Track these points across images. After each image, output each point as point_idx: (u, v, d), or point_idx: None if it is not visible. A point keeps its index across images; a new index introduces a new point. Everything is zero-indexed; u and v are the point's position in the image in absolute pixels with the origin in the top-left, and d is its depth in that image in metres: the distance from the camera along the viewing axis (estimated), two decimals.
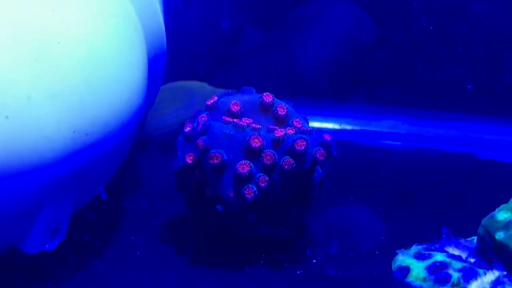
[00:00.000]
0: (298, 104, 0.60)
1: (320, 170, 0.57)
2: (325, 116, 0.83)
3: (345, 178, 0.70)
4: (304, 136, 0.54)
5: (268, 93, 0.58)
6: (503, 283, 0.46)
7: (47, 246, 0.51)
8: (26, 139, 0.45)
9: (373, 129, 0.82)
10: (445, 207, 0.65)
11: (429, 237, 0.53)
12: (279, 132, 0.54)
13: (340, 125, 0.82)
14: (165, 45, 0.66)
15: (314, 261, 0.57)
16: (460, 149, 0.79)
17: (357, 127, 0.83)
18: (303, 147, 0.53)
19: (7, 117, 0.44)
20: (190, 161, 0.56)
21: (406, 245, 0.52)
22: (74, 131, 0.47)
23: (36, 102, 0.45)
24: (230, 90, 0.59)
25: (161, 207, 0.64)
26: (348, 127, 0.83)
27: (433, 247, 0.52)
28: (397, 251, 0.52)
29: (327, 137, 0.54)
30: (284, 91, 0.60)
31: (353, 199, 0.67)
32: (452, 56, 0.81)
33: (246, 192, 0.52)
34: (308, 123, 0.59)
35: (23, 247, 0.50)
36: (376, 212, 0.64)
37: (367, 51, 0.81)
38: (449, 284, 0.47)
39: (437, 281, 0.48)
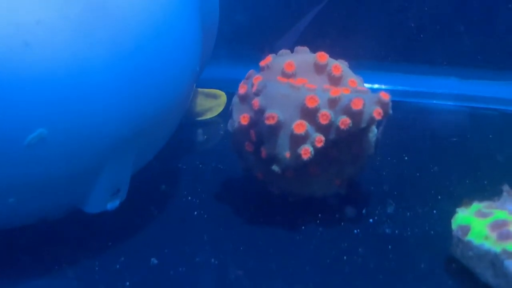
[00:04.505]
0: (350, 66, 0.59)
1: (376, 130, 0.57)
2: (376, 77, 0.82)
3: (397, 138, 0.70)
4: (360, 95, 0.53)
5: (322, 53, 0.57)
6: None
7: (108, 206, 0.52)
8: (89, 102, 0.46)
9: (425, 89, 0.81)
10: (503, 166, 0.64)
11: (488, 195, 0.52)
12: (335, 92, 0.53)
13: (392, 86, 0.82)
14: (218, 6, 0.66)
15: (371, 220, 0.57)
16: None
17: (408, 87, 0.81)
18: (360, 106, 0.52)
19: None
20: (245, 122, 0.56)
21: (465, 204, 0.52)
22: (132, 93, 0.48)
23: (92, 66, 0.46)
24: (283, 50, 0.59)
25: (216, 169, 0.65)
26: (400, 87, 0.82)
27: (494, 205, 0.52)
28: (457, 209, 0.52)
29: (384, 95, 0.54)
30: (335, 53, 0.59)
31: (408, 159, 0.66)
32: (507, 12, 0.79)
33: (302, 152, 0.52)
34: (363, 83, 0.58)
35: (85, 207, 0.52)
36: (431, 172, 0.64)
37: (420, 9, 0.80)
38: None
39: (500, 238, 0.47)
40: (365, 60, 0.79)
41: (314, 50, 0.58)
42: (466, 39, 0.80)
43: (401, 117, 0.75)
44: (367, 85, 0.78)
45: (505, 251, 0.46)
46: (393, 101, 0.55)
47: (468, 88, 0.80)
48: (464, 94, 0.80)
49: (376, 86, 0.81)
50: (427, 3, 0.80)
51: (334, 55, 0.58)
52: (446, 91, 0.80)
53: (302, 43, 0.60)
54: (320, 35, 0.80)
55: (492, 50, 0.80)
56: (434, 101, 0.80)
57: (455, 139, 0.70)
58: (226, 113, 0.76)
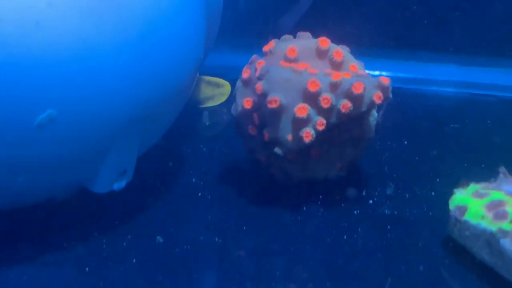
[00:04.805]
0: (352, 53, 0.60)
1: (376, 114, 0.58)
2: (377, 64, 0.83)
3: (398, 123, 0.71)
4: (361, 79, 0.54)
5: (324, 38, 0.58)
6: None
7: (115, 186, 0.54)
8: (97, 85, 0.47)
9: (426, 76, 0.83)
10: (500, 149, 0.66)
11: (485, 177, 0.54)
12: (337, 76, 0.55)
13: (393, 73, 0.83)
14: None
15: (371, 201, 0.58)
16: None
17: (409, 74, 0.83)
18: (361, 90, 0.53)
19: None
20: (249, 106, 0.57)
21: (462, 185, 0.53)
22: (138, 77, 0.50)
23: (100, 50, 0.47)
24: (286, 35, 0.60)
25: (220, 152, 0.67)
26: (401, 74, 0.83)
27: (490, 186, 0.53)
28: (454, 190, 0.53)
29: (384, 80, 0.55)
30: (337, 39, 0.60)
31: (407, 143, 0.68)
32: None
33: (304, 135, 0.54)
34: (364, 68, 0.60)
35: (93, 187, 0.53)
36: (430, 155, 0.65)
37: None
38: (507, 221, 0.48)
39: (496, 218, 0.49)
40: (366, 47, 0.80)
41: (316, 35, 0.60)
42: (465, 26, 0.81)
43: (402, 103, 0.76)
44: (368, 72, 0.80)
45: (501, 230, 0.48)
46: (394, 88, 0.56)
47: (467, 74, 0.82)
48: (463, 80, 0.81)
49: (377, 72, 0.82)
50: None
51: (335, 41, 0.59)
52: (445, 77, 0.82)
53: (303, 29, 0.61)
54: (322, 21, 0.80)
55: (491, 37, 0.81)
56: (434, 88, 0.81)
57: (457, 126, 0.71)
58: (231, 101, 0.78)
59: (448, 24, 0.82)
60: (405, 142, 0.68)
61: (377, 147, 0.65)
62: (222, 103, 0.77)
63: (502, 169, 0.53)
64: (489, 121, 0.72)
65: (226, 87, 0.79)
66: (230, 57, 0.82)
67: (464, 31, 0.81)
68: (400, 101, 0.74)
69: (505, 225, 0.48)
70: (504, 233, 0.47)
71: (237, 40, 0.85)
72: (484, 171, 0.60)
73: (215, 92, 0.78)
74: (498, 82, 0.80)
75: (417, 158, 0.65)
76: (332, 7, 0.83)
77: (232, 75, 0.77)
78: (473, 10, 0.81)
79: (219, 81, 0.80)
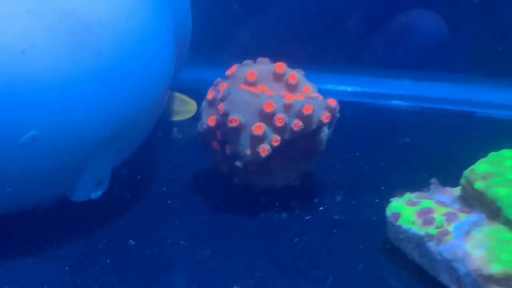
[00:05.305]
0: (312, 69, 0.67)
1: (327, 130, 0.64)
2: (336, 79, 0.90)
3: (353, 136, 0.77)
4: (311, 101, 0.61)
5: (281, 63, 0.65)
6: (480, 225, 0.53)
7: (92, 195, 0.60)
8: (75, 109, 0.53)
9: (381, 90, 0.89)
10: (442, 161, 0.71)
11: (426, 186, 0.59)
12: (290, 98, 0.61)
13: (350, 88, 0.90)
14: (190, 16, 0.73)
15: (322, 208, 0.64)
16: (461, 108, 0.86)
17: (366, 89, 0.89)
18: (310, 111, 0.60)
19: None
20: (213, 124, 0.63)
21: (398, 195, 0.59)
22: (112, 101, 0.56)
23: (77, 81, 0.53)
24: (247, 61, 0.67)
25: (188, 163, 0.73)
26: (358, 88, 0.90)
27: (423, 195, 0.59)
28: (390, 199, 0.59)
29: (332, 102, 0.61)
30: (296, 58, 0.67)
31: (359, 155, 0.74)
32: (458, 17, 0.87)
33: (261, 150, 0.60)
34: (316, 90, 0.66)
35: (73, 196, 0.59)
36: (378, 166, 0.71)
37: (371, 14, 0.88)
38: (434, 226, 0.54)
39: (424, 223, 0.54)
40: (323, 63, 0.87)
41: (278, 56, 0.66)
42: (418, 43, 0.87)
43: (357, 116, 0.82)
44: (330, 87, 0.87)
45: (428, 234, 0.53)
46: (350, 102, 0.62)
47: (419, 89, 0.88)
48: (415, 94, 0.88)
49: (342, 87, 0.89)
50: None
51: (297, 58, 0.66)
52: (398, 92, 0.88)
53: (266, 51, 0.68)
54: (290, 42, 0.87)
55: (442, 53, 0.88)
56: (388, 101, 0.87)
57: (407, 139, 0.77)
58: (198, 116, 0.84)
59: (401, 41, 0.88)
60: (357, 154, 0.74)
61: (331, 159, 0.71)
62: (191, 118, 0.83)
63: (434, 181, 0.59)
64: (435, 133, 0.78)
65: (192, 105, 0.86)
66: (203, 73, 0.88)
67: (417, 48, 0.88)
68: (355, 114, 0.82)
69: (431, 230, 0.53)
70: (430, 237, 0.53)
71: (209, 57, 0.92)
72: (425, 181, 0.66)
73: (181, 108, 0.85)
74: (447, 96, 0.87)
75: (366, 168, 0.71)
76: (293, 27, 0.89)
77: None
78: (425, 28, 0.87)
79: (186, 99, 0.86)
